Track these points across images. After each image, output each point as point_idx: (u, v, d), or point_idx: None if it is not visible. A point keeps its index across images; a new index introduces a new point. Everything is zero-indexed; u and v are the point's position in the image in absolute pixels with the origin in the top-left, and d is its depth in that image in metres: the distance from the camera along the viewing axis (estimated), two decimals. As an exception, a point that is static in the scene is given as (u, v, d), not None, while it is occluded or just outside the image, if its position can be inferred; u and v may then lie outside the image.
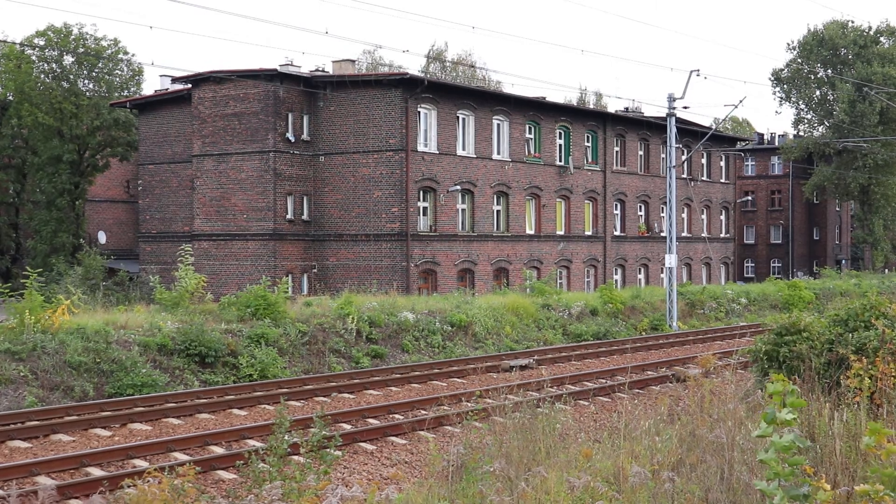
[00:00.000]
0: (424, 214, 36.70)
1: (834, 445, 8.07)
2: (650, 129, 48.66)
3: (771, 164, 74.91)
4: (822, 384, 11.19)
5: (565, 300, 29.92)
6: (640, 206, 49.24)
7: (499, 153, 40.27)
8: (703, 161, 53.44)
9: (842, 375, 11.13)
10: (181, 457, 11.96)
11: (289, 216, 37.41)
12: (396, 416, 15.14)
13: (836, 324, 13.51)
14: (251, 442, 12.75)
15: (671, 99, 37.88)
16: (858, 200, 63.96)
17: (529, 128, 42.04)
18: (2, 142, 47.36)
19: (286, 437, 9.78)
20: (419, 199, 36.42)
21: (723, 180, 55.63)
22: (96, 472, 11.32)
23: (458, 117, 38.48)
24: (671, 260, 32.98)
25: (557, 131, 43.62)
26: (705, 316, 35.11)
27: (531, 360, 20.48)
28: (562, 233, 43.70)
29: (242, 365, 19.48)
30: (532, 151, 42.06)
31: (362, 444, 13.23)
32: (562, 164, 43.41)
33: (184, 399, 15.94)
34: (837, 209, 75.49)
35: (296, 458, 10.09)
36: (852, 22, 63.98)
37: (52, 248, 44.63)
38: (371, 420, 14.77)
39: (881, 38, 62.22)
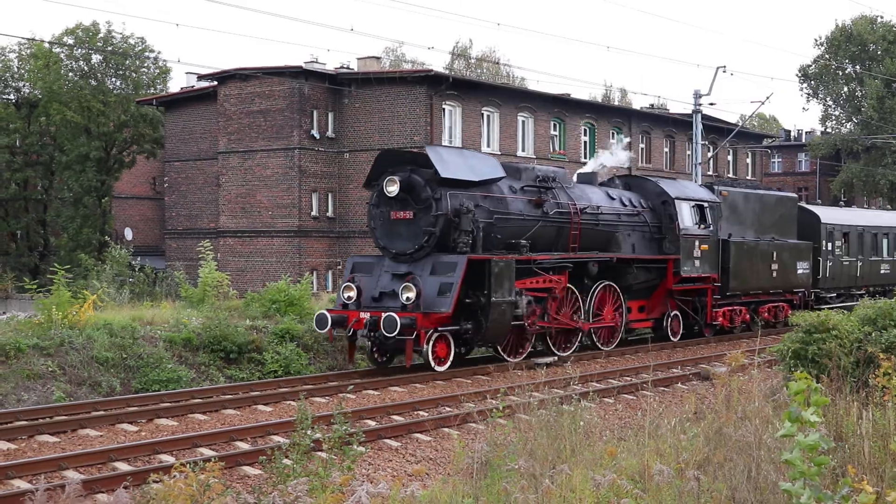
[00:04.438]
0: (449, 211, 36.62)
1: (862, 445, 8.00)
2: (676, 125, 48.43)
3: (798, 161, 74.38)
4: (851, 383, 11.10)
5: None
6: (666, 203, 48.95)
7: (523, 150, 40.21)
8: (730, 158, 53.14)
9: (870, 374, 11.05)
10: (207, 452, 12.02)
11: (313, 213, 37.53)
12: (421, 412, 15.15)
13: (864, 322, 13.42)
14: (276, 438, 12.79)
15: (697, 95, 37.74)
16: (887, 198, 63.35)
17: (554, 124, 41.94)
18: (30, 139, 47.74)
19: (309, 433, 9.80)
20: (444, 196, 36.35)
21: (749, 177, 55.26)
22: (123, 466, 11.40)
23: (482, 114, 38.45)
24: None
25: (582, 128, 43.51)
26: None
27: (556, 358, 20.43)
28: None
29: (267, 361, 19.55)
30: (557, 148, 41.97)
31: (387, 441, 13.24)
32: (586, 160, 43.29)
33: (209, 395, 16.01)
34: (866, 206, 74.87)
35: (320, 453, 10.11)
36: (881, 17, 63.43)
37: (78, 245, 44.96)
38: (395, 417, 14.78)
39: (910, 34, 61.56)
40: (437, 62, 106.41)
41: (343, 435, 9.51)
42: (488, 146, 38.37)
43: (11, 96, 49.24)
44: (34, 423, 13.18)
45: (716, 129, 48.18)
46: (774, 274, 27.11)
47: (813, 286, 29.44)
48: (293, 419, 11.37)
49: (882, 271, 33.75)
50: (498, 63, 70.16)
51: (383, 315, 17.23)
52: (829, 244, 30.34)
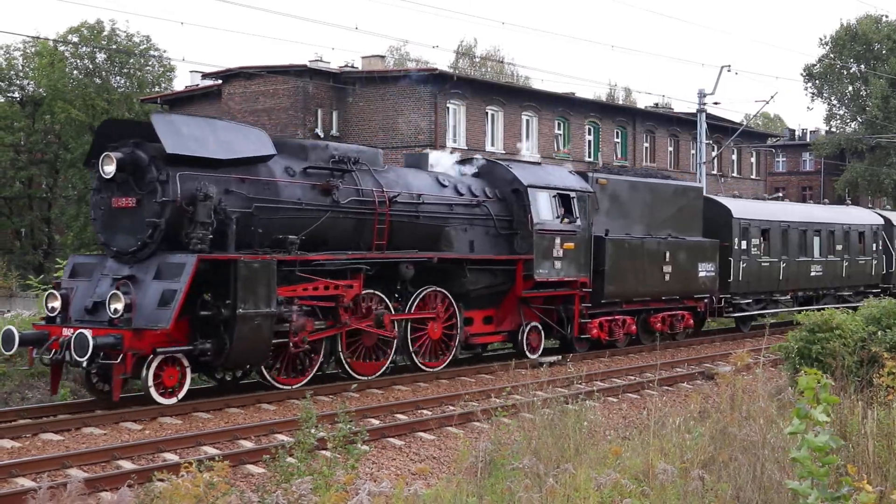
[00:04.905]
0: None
1: (867, 444, 7.99)
2: (680, 124, 48.37)
3: (802, 161, 74.25)
4: (855, 382, 11.09)
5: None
6: (670, 203, 48.90)
7: (528, 149, 40.19)
8: (734, 157, 53.08)
9: (874, 374, 11.04)
10: (210, 450, 12.02)
11: (318, 212, 37.44)
12: (424, 411, 15.15)
13: (869, 322, 13.42)
14: (280, 437, 12.79)
15: (701, 95, 37.74)
16: (891, 197, 63.26)
17: (559, 124, 41.92)
18: (35, 137, 47.85)
19: (313, 432, 9.80)
20: (448, 195, 36.29)
21: (753, 176, 55.24)
22: (127, 465, 11.40)
23: (487, 113, 38.43)
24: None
25: (587, 127, 43.47)
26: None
27: (559, 357, 20.42)
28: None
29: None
30: (561, 147, 41.95)
31: (390, 440, 13.24)
32: (591, 159, 43.26)
33: (213, 393, 16.00)
34: (870, 206, 74.75)
35: (324, 452, 10.11)
36: (886, 16, 63.28)
37: (82, 243, 45.04)
38: (399, 415, 14.79)
39: (916, 33, 61.48)
40: (442, 61, 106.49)
41: (347, 433, 9.51)
42: (493, 145, 38.36)
43: (16, 94, 49.35)
44: (38, 422, 13.18)
45: (720, 129, 48.13)
46: (667, 277, 23.13)
47: (722, 290, 25.61)
48: (297, 418, 11.37)
49: (812, 273, 29.74)
50: (502, 62, 70.12)
51: (74, 333, 13.43)
52: (744, 242, 26.58)
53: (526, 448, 9.32)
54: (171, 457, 11.74)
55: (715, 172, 49.91)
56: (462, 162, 20.54)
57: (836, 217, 31.85)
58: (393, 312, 17.48)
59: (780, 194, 50.70)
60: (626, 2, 67.04)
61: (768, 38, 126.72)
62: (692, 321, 24.73)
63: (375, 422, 14.07)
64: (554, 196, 20.27)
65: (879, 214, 34.53)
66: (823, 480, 4.36)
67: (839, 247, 30.77)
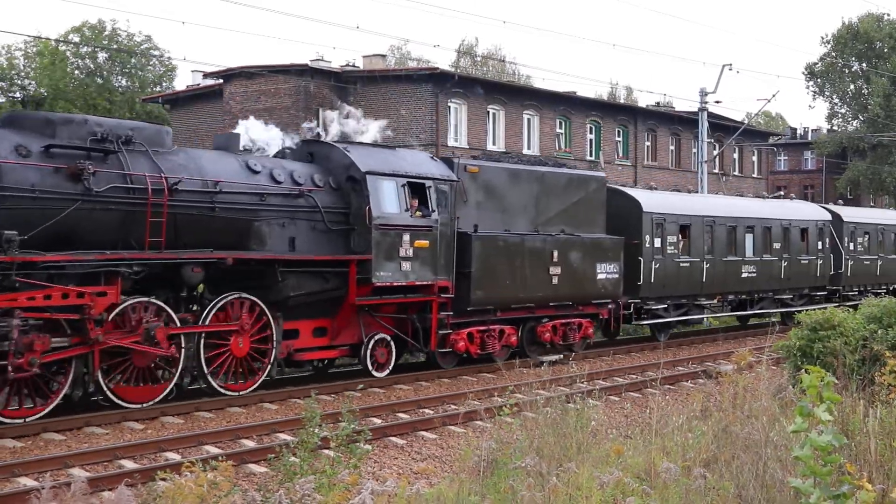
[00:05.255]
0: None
1: (868, 443, 7.99)
2: (682, 123, 48.34)
3: (804, 159, 74.20)
4: (856, 381, 11.10)
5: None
6: (672, 202, 48.85)
7: (529, 148, 40.18)
8: (735, 156, 53.04)
9: (876, 372, 11.05)
10: (213, 450, 12.04)
11: (319, 211, 37.44)
12: (426, 410, 15.17)
13: (870, 320, 13.43)
14: (282, 436, 12.81)
15: (703, 93, 37.68)
16: (893, 196, 63.27)
17: (560, 123, 41.90)
18: (36, 137, 47.89)
19: (316, 431, 9.80)
20: (449, 194, 36.27)
21: (755, 175, 55.20)
22: (129, 464, 11.42)
23: (488, 112, 38.42)
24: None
25: (588, 126, 43.45)
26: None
27: (561, 356, 20.42)
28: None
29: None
30: (562, 146, 41.93)
31: (392, 439, 13.26)
32: (592, 158, 43.25)
33: (215, 392, 16.00)
34: (871, 204, 74.75)
35: (326, 451, 10.12)
36: (888, 15, 63.26)
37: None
38: (401, 414, 14.80)
39: (917, 32, 61.47)
40: (443, 60, 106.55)
41: (350, 433, 9.52)
42: (494, 144, 38.34)
43: (17, 94, 49.38)
44: (40, 421, 13.20)
45: (721, 127, 48.10)
46: (556, 280, 20.02)
47: (631, 295, 22.72)
48: (299, 417, 11.38)
49: (744, 275, 26.64)
50: (503, 61, 70.13)
51: None
52: (658, 240, 23.59)
53: (528, 447, 9.33)
54: (174, 456, 11.76)
55: (716, 171, 49.91)
56: (297, 144, 17.76)
57: (773, 212, 28.74)
58: (178, 324, 14.49)
59: (782, 193, 50.56)
60: (627, 1, 67.01)
61: (770, 36, 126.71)
62: (592, 330, 21.65)
63: (377, 421, 14.09)
64: (403, 185, 17.22)
65: (827, 209, 31.61)
66: (826, 479, 4.36)
67: (777, 245, 27.84)
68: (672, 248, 24.05)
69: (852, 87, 63.61)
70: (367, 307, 17.21)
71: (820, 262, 29.49)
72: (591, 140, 43.59)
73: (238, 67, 38.26)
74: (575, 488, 7.50)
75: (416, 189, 17.51)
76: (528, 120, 40.31)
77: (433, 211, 17.70)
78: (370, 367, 17.27)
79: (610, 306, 21.70)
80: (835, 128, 65.86)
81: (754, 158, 55.27)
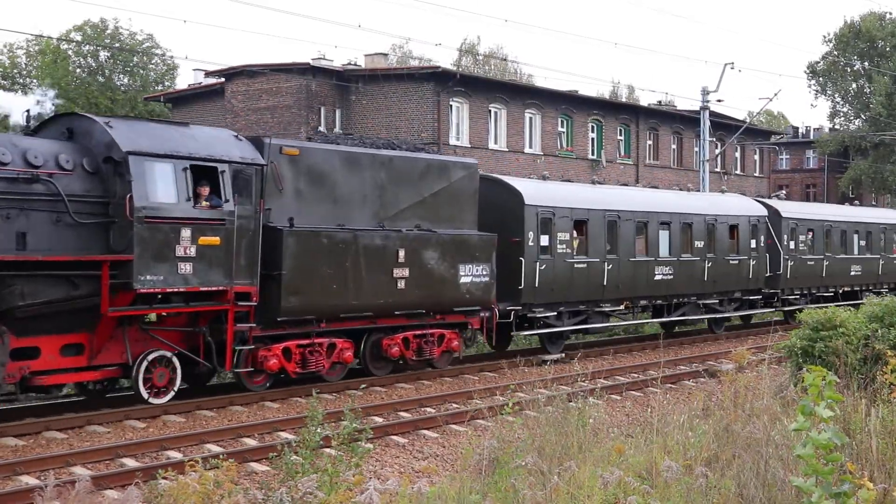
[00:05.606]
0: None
1: (870, 442, 7.99)
2: (683, 122, 48.34)
3: (806, 158, 74.17)
4: (858, 380, 11.11)
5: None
6: (673, 200, 48.80)
7: (531, 147, 40.19)
8: (737, 154, 53.03)
9: (878, 371, 11.06)
10: (215, 448, 12.05)
11: (321, 210, 37.42)
12: (428, 409, 15.18)
13: (872, 320, 13.44)
14: (283, 434, 12.82)
15: (705, 92, 37.66)
16: (895, 195, 63.27)
17: (561, 121, 41.91)
18: (38, 136, 47.94)
19: (318, 430, 9.81)
20: (451, 193, 36.26)
21: (756, 174, 55.19)
22: (131, 463, 11.43)
23: (489, 111, 38.42)
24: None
25: (590, 125, 43.45)
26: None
27: (562, 354, 20.43)
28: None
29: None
30: (564, 145, 41.93)
31: (394, 438, 13.27)
32: (594, 157, 43.25)
33: (217, 390, 16.02)
34: (873, 203, 74.71)
35: (327, 450, 10.13)
36: (890, 14, 63.27)
37: None
38: (403, 413, 14.81)
39: (919, 30, 61.44)
40: (445, 59, 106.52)
41: (352, 431, 9.53)
42: (496, 143, 38.37)
43: (19, 93, 49.40)
44: (42, 420, 13.20)
45: (723, 126, 48.10)
46: (402, 285, 16.75)
47: (511, 301, 19.39)
48: (301, 416, 11.39)
49: (658, 277, 23.18)
50: (505, 60, 70.12)
51: None
52: (544, 238, 20.13)
53: (530, 446, 9.34)
54: (175, 455, 11.78)
55: (718, 170, 49.90)
56: (48, 120, 14.69)
57: (695, 206, 25.33)
58: None
59: (784, 192, 50.47)
60: (629, -1, 66.97)
61: (772, 35, 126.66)
62: (458, 343, 18.37)
63: (379, 420, 14.10)
64: (185, 169, 13.99)
65: (763, 203, 28.36)
66: (828, 478, 4.37)
67: (699, 243, 24.39)
68: (564, 246, 20.52)
69: (854, 85, 63.61)
70: (140, 320, 14.16)
71: (753, 262, 26.20)
72: (592, 139, 43.59)
73: (240, 66, 38.29)
74: (576, 487, 7.50)
75: (205, 174, 14.26)
76: (530, 119, 40.31)
77: (228, 201, 14.39)
78: (143, 392, 13.99)
79: (483, 314, 18.49)
80: (837, 127, 65.86)
81: (756, 157, 55.25)
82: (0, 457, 11.53)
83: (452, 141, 36.31)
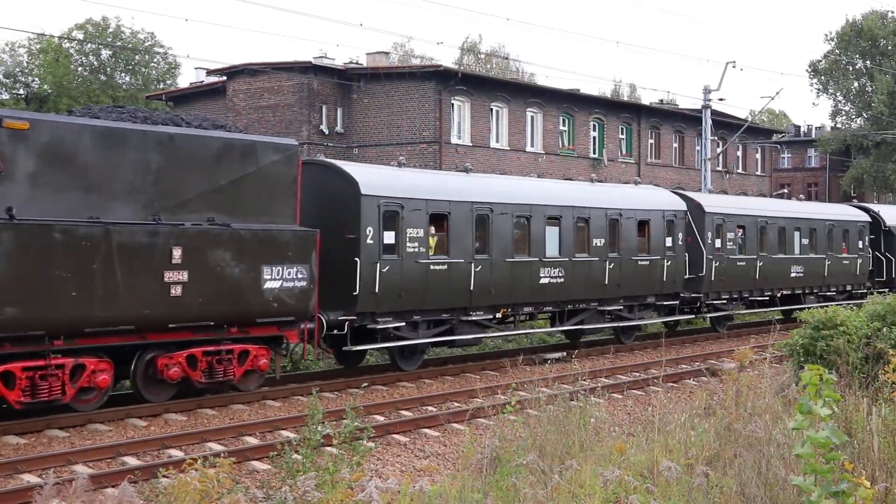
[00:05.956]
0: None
1: (872, 441, 7.99)
2: (685, 121, 48.29)
3: (807, 157, 74.10)
4: (859, 379, 11.10)
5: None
6: (675, 199, 48.74)
7: (532, 145, 40.17)
8: (739, 153, 52.98)
9: (879, 370, 11.04)
10: (216, 447, 12.05)
11: (322, 208, 37.41)
12: (429, 407, 15.18)
13: (873, 319, 13.43)
14: (285, 433, 12.82)
15: (706, 91, 37.62)
16: (897, 193, 63.29)
17: (563, 120, 41.88)
18: (40, 134, 47.95)
19: (319, 429, 9.82)
20: (452, 192, 36.24)
21: (758, 173, 55.14)
22: (132, 461, 11.44)
23: (491, 109, 38.41)
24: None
25: (591, 123, 43.42)
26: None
27: (564, 353, 20.42)
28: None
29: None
30: (566, 144, 41.90)
31: (395, 436, 13.27)
32: (595, 156, 43.22)
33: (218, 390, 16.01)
34: (875, 202, 74.67)
35: (329, 449, 10.13)
36: (892, 12, 63.27)
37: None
38: (404, 412, 14.81)
39: (921, 29, 61.38)
40: (446, 57, 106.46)
41: (353, 430, 9.53)
42: (497, 142, 38.35)
43: (21, 91, 49.41)
44: (44, 418, 13.22)
45: (725, 125, 48.05)
46: (178, 291, 13.76)
47: (343, 309, 16.49)
48: (302, 415, 11.39)
49: (543, 280, 20.06)
50: (507, 58, 70.12)
51: None
52: (391, 235, 17.15)
53: (531, 445, 9.34)
54: (177, 453, 11.78)
55: (720, 168, 49.85)
56: None
57: (595, 199, 21.95)
58: None
59: (785, 191, 50.40)
60: (630, -2, 66.94)
61: (773, 34, 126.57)
62: (266, 361, 15.44)
63: (380, 418, 14.10)
64: None
65: (683, 196, 25.28)
66: (828, 477, 4.37)
67: (598, 242, 21.34)
68: (416, 245, 17.48)
69: (856, 84, 63.56)
70: None
71: (668, 262, 23.07)
72: (594, 137, 43.56)
73: (241, 65, 38.30)
74: (577, 486, 7.50)
75: None
76: (532, 117, 40.29)
77: None
78: None
79: (303, 326, 15.56)
80: (838, 125, 65.82)
81: (758, 156, 55.21)
82: (1, 455, 11.55)
83: (454, 139, 36.31)
